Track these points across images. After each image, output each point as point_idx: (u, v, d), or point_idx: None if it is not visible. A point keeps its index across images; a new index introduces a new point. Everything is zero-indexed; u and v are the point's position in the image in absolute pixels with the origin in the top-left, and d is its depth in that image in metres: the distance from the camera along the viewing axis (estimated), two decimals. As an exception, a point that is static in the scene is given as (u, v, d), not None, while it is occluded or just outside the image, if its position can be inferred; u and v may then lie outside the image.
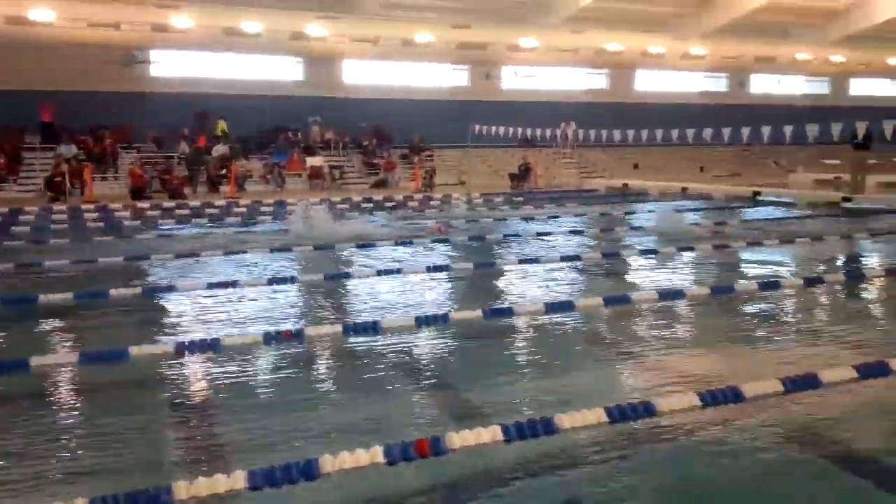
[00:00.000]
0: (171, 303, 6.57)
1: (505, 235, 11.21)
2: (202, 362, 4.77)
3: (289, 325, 5.53)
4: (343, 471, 2.99)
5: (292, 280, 7.45)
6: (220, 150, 22.79)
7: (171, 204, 16.91)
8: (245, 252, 9.41)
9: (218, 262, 8.76)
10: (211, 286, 6.97)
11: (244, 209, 15.80)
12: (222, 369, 4.67)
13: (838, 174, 22.67)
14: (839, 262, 8.98)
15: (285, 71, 26.68)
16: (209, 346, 4.93)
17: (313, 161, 23.77)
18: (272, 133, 25.50)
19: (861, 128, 15.76)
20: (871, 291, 7.23)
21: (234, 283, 7.12)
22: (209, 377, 4.58)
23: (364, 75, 27.56)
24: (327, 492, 2.99)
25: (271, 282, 7.26)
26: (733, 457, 3.24)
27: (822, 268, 8.27)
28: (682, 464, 3.22)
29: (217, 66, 25.38)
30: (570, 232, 11.58)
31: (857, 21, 29.34)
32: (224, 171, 21.65)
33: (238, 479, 2.88)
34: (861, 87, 36.15)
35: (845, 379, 4.05)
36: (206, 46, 24.47)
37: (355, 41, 24.62)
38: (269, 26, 23.21)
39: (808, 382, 3.90)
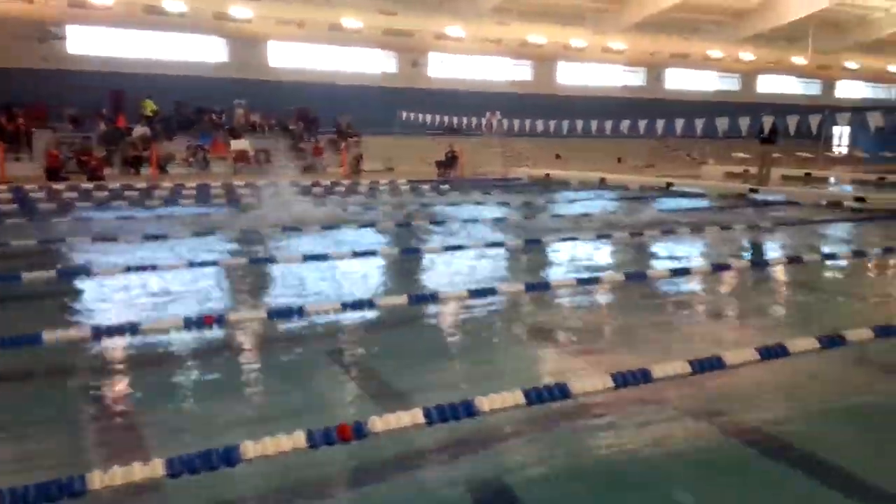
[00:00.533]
0: (89, 287, 6.40)
1: (431, 222, 11.31)
2: (120, 347, 4.69)
3: (211, 310, 5.48)
4: (265, 457, 3.03)
5: (215, 264, 7.35)
6: (139, 130, 22.05)
7: (90, 185, 16.31)
8: (166, 235, 9.24)
9: (139, 245, 8.54)
10: (130, 269, 6.82)
11: (165, 191, 15.38)
12: (141, 354, 4.60)
13: (747, 167, 23.71)
14: (745, 250, 9.45)
15: (209, 51, 25.96)
16: (127, 331, 4.85)
17: (238, 144, 23.27)
18: (195, 114, 24.82)
19: (767, 123, 16.54)
20: (773, 277, 7.65)
21: (153, 267, 6.98)
22: (127, 362, 4.51)
23: (291, 58, 27.07)
24: (250, 478, 3.00)
25: (192, 265, 7.15)
26: (644, 435, 3.42)
27: (729, 255, 8.70)
28: (596, 442, 3.39)
29: (138, 45, 24.45)
30: (495, 219, 11.77)
31: (765, 21, 30.65)
32: (146, 153, 20.97)
33: (156, 467, 2.87)
34: (768, 84, 37.81)
35: (748, 360, 4.33)
36: (126, 24, 23.57)
37: (281, 23, 24.13)
38: (191, 5, 22.55)
39: (713, 364, 4.16)
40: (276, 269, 7.43)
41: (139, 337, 4.80)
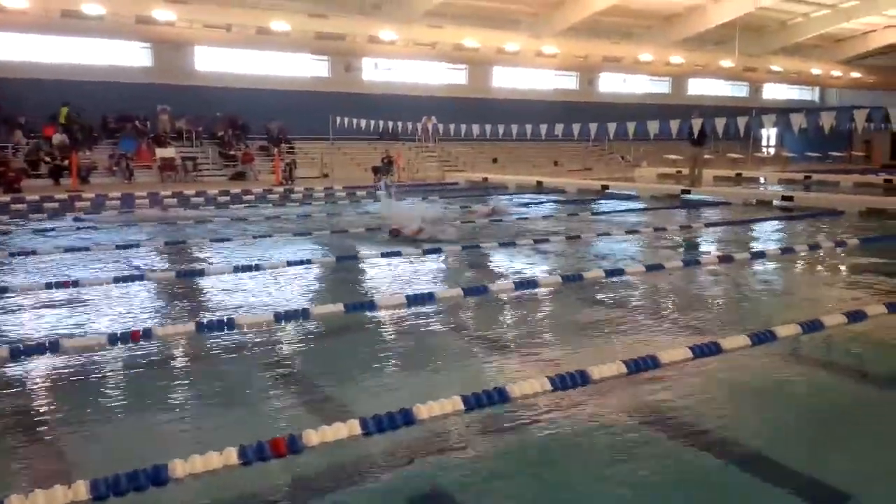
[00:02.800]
0: (5, 304, 6.07)
1: (367, 229, 11.18)
2: (41, 366, 4.44)
3: (137, 325, 5.25)
4: (196, 475, 2.90)
5: (141, 278, 7.07)
6: (57, 139, 21.23)
7: (6, 198, 15.62)
8: (88, 249, 8.90)
9: (59, 260, 8.19)
10: (50, 286, 6.51)
11: (87, 203, 14.84)
12: (63, 373, 4.37)
13: (679, 168, 24.33)
14: (678, 250, 9.62)
15: (132, 56, 25.21)
16: (48, 349, 4.62)
17: (164, 152, 22.66)
18: (118, 122, 24.05)
19: (696, 125, 16.97)
20: (705, 277, 7.80)
21: (75, 283, 6.68)
22: (48, 382, 4.27)
23: (218, 63, 26.51)
24: (181, 498, 2.87)
25: (118, 280, 6.87)
26: (583, 436, 3.40)
27: (662, 255, 8.84)
28: (536, 445, 3.35)
29: (56, 50, 23.54)
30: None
31: (693, 25, 31.57)
32: (65, 162, 20.20)
33: (80, 490, 2.73)
34: (698, 87, 38.92)
35: (682, 359, 4.37)
36: (43, 29, 22.58)
37: (207, 27, 23.56)
38: (112, 8, 21.74)
39: (648, 363, 4.18)
40: (205, 282, 7.19)
41: (61, 356, 4.56)
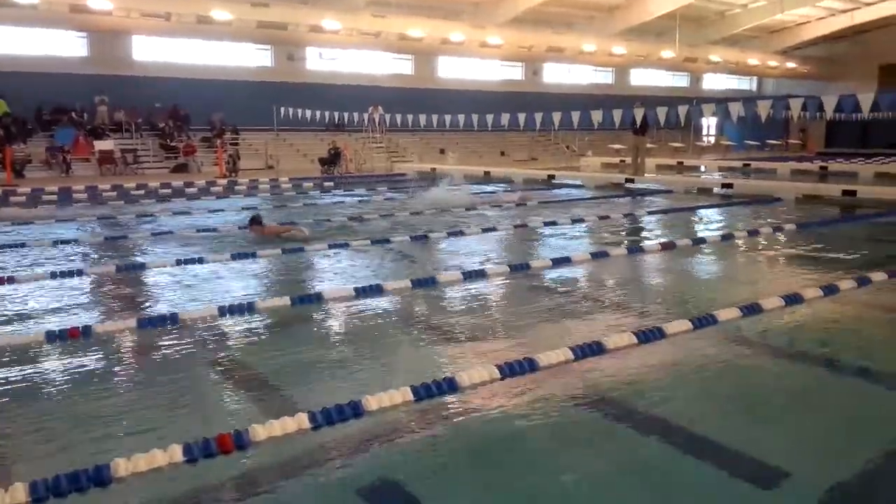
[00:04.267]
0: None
1: (316, 220, 11.08)
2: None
3: (76, 322, 5.09)
4: (139, 474, 2.85)
5: (80, 273, 6.86)
6: (-10, 132, 20.45)
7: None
8: (24, 245, 8.61)
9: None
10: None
11: (22, 197, 14.34)
12: (-2, 373, 4.22)
13: (623, 157, 24.72)
14: (622, 237, 9.78)
15: (67, 46, 24.33)
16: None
17: (102, 145, 22.00)
18: (54, 113, 23.24)
19: (638, 114, 17.25)
20: (648, 263, 7.95)
21: (10, 280, 6.46)
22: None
23: (158, 53, 25.78)
24: (124, 497, 2.80)
25: (55, 275, 6.66)
26: (532, 423, 3.43)
27: (607, 243, 8.98)
28: (485, 434, 3.37)
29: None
30: (381, 216, 11.67)
31: (634, 16, 32.01)
32: (-2, 156, 19.44)
33: (18, 492, 2.67)
34: (640, 78, 39.53)
35: (627, 344, 4.46)
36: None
37: (145, 16, 22.89)
38: (44, -3, 20.93)
39: (594, 349, 4.25)
40: (147, 276, 7.02)
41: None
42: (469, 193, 14.84)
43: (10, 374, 4.17)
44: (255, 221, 9.33)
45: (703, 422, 3.48)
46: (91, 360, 4.48)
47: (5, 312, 5.54)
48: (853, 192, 13.83)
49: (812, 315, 5.50)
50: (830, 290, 5.92)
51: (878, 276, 6.39)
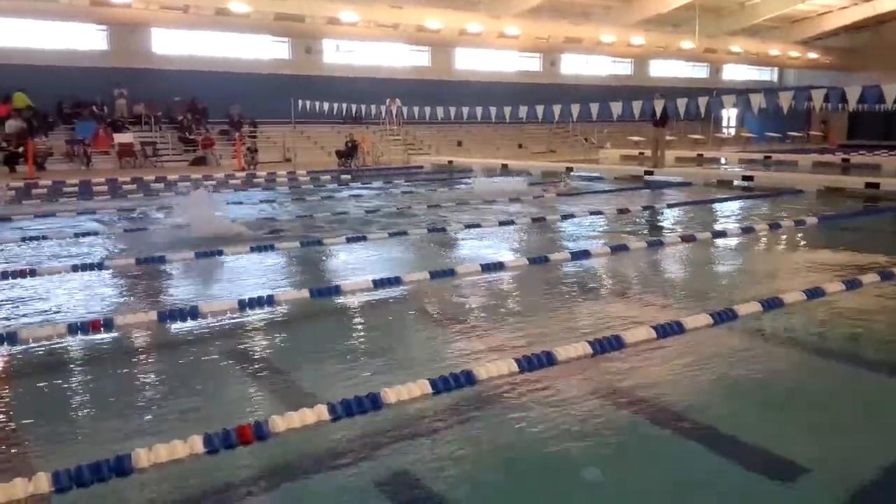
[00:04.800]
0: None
1: (333, 213, 11.11)
2: (-2, 358, 4.34)
3: (97, 314, 5.14)
4: (161, 465, 2.87)
5: (101, 266, 6.92)
6: (13, 125, 20.64)
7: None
8: (47, 237, 8.70)
9: (14, 249, 8.00)
10: (5, 276, 6.36)
11: (44, 190, 14.50)
12: (23, 363, 4.27)
13: (642, 150, 24.55)
14: (641, 231, 9.72)
15: (88, 40, 24.51)
16: (6, 340, 4.51)
17: (122, 138, 22.17)
18: (75, 107, 23.44)
19: (658, 106, 17.10)
20: (668, 256, 7.89)
21: (32, 272, 6.53)
22: (6, 373, 4.17)
23: (176, 45, 25.90)
24: (145, 487, 2.83)
25: (76, 269, 6.72)
26: (551, 418, 3.42)
27: (626, 236, 8.92)
28: (505, 427, 3.36)
29: (8, 34, 22.75)
30: (397, 209, 11.67)
31: (653, 6, 31.73)
32: (21, 149, 19.65)
33: (41, 482, 2.68)
34: (660, 69, 39.19)
35: (646, 338, 4.43)
36: (-8, 12, 21.84)
37: (164, 8, 22.99)
38: (65, -10, 21.09)
39: (613, 343, 4.22)
40: (168, 269, 7.08)
41: (19, 346, 4.46)
42: (526, 184, 15.46)
43: (33, 366, 4.22)
44: None
45: (723, 417, 3.45)
46: (111, 352, 4.53)
47: (28, 304, 5.60)
48: (876, 185, 13.65)
49: (834, 309, 5.44)
50: (853, 283, 5.85)
51: (902, 270, 6.30)
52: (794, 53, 38.84)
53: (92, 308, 5.47)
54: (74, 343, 4.60)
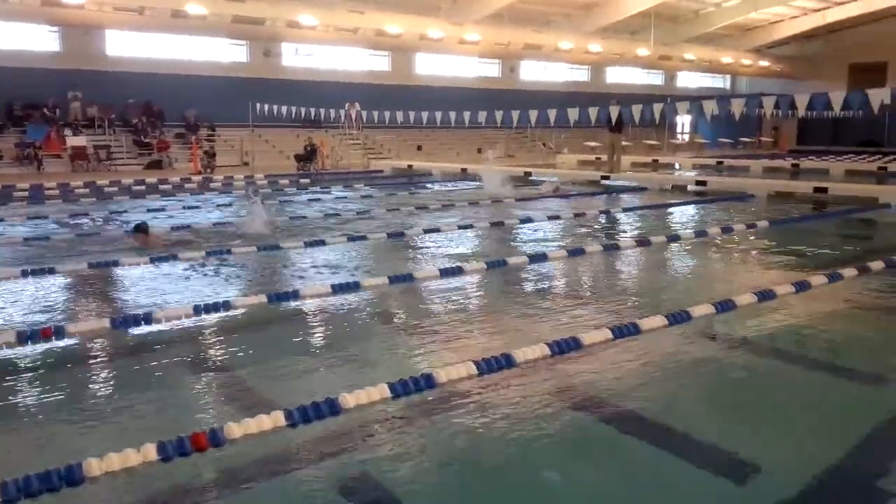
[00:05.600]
0: None
1: (291, 218, 11.02)
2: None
3: (48, 321, 5.03)
4: (113, 473, 2.82)
5: (52, 271, 6.76)
6: (-42, 128, 20.07)
7: None
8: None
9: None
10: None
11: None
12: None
13: (598, 155, 24.84)
14: (598, 235, 9.84)
15: (39, 41, 23.92)
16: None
17: (75, 141, 21.69)
18: (25, 109, 22.85)
19: (614, 112, 17.34)
20: (624, 260, 8.01)
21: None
22: None
23: (131, 48, 25.43)
24: (97, 496, 2.78)
25: (26, 274, 6.56)
26: (510, 419, 3.44)
27: (583, 240, 9.03)
28: (463, 429, 3.38)
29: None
30: (357, 213, 11.63)
31: (610, 13, 32.18)
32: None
33: (-11, 494, 2.62)
34: (616, 75, 39.75)
35: (603, 340, 4.49)
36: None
37: (118, 10, 22.57)
38: (15, -10, 20.55)
39: (570, 345, 4.27)
40: (120, 274, 6.94)
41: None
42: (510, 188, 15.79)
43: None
44: (140, 230, 8.67)
45: (678, 417, 3.52)
46: (63, 360, 4.43)
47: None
48: (824, 189, 14.03)
49: (784, 311, 5.58)
50: (802, 286, 6.01)
51: (849, 272, 6.49)
52: (746, 61, 39.76)
53: (45, 315, 5.35)
54: (25, 351, 4.49)
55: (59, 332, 4.71)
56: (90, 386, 4.01)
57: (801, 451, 3.22)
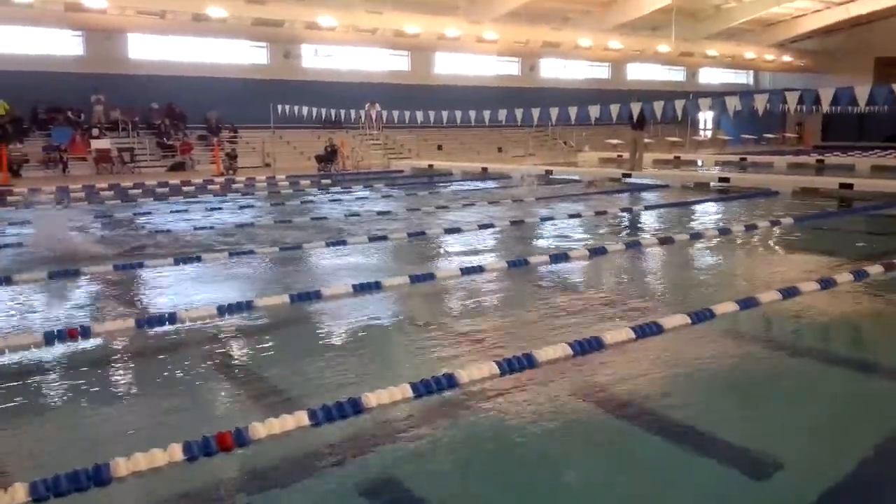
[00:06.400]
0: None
1: (312, 218, 11.08)
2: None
3: (74, 322, 5.09)
4: (138, 473, 2.85)
5: (76, 273, 6.85)
6: (-14, 132, 20.39)
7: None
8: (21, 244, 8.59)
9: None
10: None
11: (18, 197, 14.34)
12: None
13: (620, 153, 24.71)
14: (619, 233, 9.78)
15: (63, 45, 24.23)
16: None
17: (99, 143, 21.96)
18: (50, 113, 23.17)
19: (636, 109, 17.23)
20: (646, 258, 7.96)
21: (6, 280, 6.45)
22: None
23: (154, 51, 25.70)
24: (125, 496, 2.81)
25: (52, 276, 6.65)
26: (531, 419, 3.44)
27: (604, 239, 8.98)
28: (485, 429, 3.38)
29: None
30: (378, 213, 11.66)
31: (630, 10, 31.96)
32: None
33: (18, 493, 2.66)
34: (637, 72, 39.46)
35: (625, 339, 4.46)
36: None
37: (140, 14, 22.81)
38: (40, -4, 20.81)
39: (592, 345, 4.26)
40: (145, 275, 7.02)
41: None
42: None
43: (9, 375, 4.17)
44: None
45: (702, 416, 3.49)
46: (89, 360, 4.49)
47: (4, 313, 5.54)
48: (850, 185, 13.85)
49: (809, 308, 5.52)
50: (827, 283, 5.93)
51: (875, 269, 6.40)
52: (769, 56, 39.31)
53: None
54: (52, 351, 4.55)
55: (86, 333, 4.77)
56: (116, 386, 4.06)
57: (828, 450, 3.18)
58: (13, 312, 5.58)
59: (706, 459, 3.07)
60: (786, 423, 3.48)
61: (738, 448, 3.12)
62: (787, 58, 39.99)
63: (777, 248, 8.58)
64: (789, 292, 5.58)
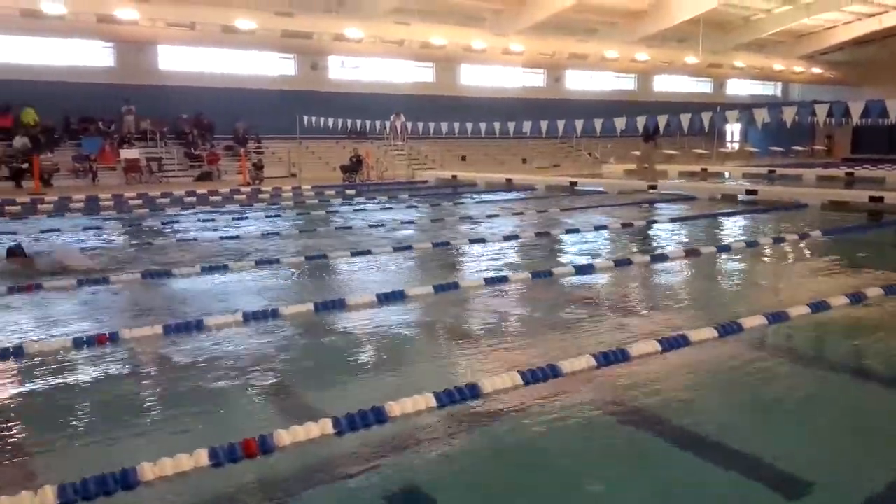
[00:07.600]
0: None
1: (337, 228, 11.14)
2: (5, 371, 4.35)
3: (103, 328, 5.16)
4: (166, 478, 2.88)
5: (105, 281, 6.95)
6: (19, 141, 20.80)
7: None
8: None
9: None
10: (11, 290, 6.40)
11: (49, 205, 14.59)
12: (27, 378, 4.28)
13: (645, 164, 24.56)
14: (644, 244, 9.71)
15: (95, 56, 24.72)
16: (12, 354, 4.53)
17: (128, 153, 22.30)
18: (81, 123, 23.61)
19: (661, 121, 17.14)
20: (671, 270, 7.88)
21: (38, 287, 6.56)
22: (12, 387, 4.18)
23: (183, 62, 26.12)
24: (151, 500, 2.84)
25: (81, 283, 6.75)
26: (555, 429, 3.42)
27: (629, 250, 8.92)
28: (509, 439, 3.36)
29: (17, 51, 22.95)
30: (403, 223, 11.70)
31: (657, 21, 31.84)
32: (25, 165, 19.77)
33: (47, 495, 2.70)
34: (664, 84, 39.27)
35: (651, 352, 4.42)
36: (2, 28, 21.89)
37: (171, 26, 23.19)
38: (73, 8, 21.20)
39: (617, 356, 4.22)
40: (171, 283, 7.10)
41: (24, 360, 4.48)
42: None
43: (39, 380, 4.23)
44: (12, 253, 7.81)
45: (728, 430, 3.44)
46: (118, 366, 4.54)
47: (34, 319, 5.63)
48: (880, 199, 13.63)
49: (839, 323, 5.43)
50: (857, 297, 5.84)
51: (907, 284, 6.29)
52: (798, 68, 38.93)
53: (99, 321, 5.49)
54: (81, 356, 4.62)
55: (114, 339, 4.83)
56: (143, 391, 4.10)
57: (859, 470, 3.12)
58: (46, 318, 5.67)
59: (733, 474, 3.02)
60: (815, 440, 3.42)
61: (767, 465, 3.06)
62: (816, 69, 39.56)
63: (805, 261, 8.46)
64: (818, 306, 5.50)
